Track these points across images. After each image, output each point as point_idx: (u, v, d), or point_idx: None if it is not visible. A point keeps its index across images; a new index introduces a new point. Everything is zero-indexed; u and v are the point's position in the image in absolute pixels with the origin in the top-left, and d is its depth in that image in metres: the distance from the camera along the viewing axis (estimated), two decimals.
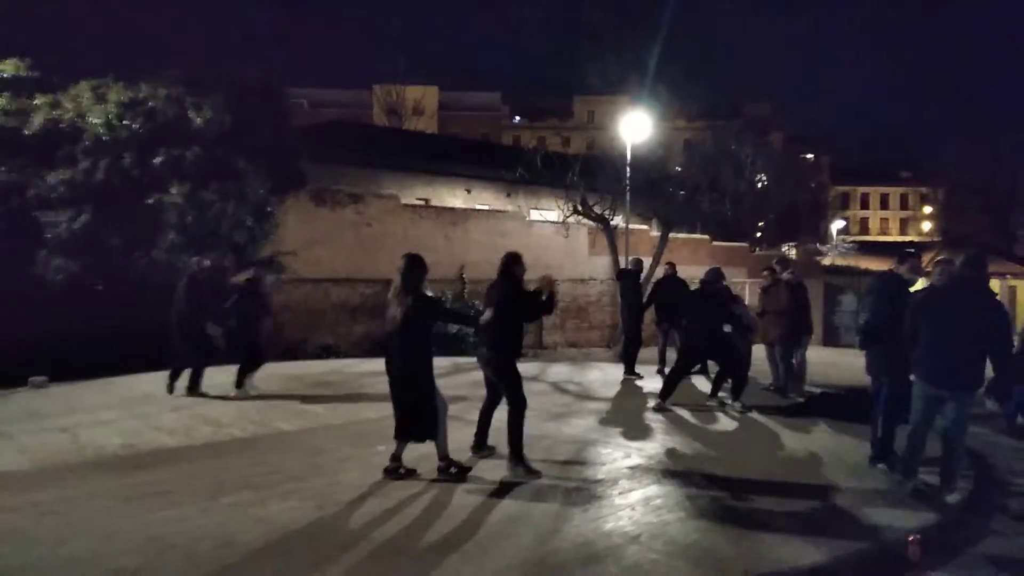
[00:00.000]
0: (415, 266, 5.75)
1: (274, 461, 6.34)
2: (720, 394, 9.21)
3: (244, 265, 13.01)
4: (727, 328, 8.88)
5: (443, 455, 5.87)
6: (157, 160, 11.91)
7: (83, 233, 11.45)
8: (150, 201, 11.80)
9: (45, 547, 4.41)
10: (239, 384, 9.27)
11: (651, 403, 8.98)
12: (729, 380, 9.12)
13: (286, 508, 5.11)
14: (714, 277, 8.94)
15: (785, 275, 10.28)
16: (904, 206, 74.32)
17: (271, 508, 5.10)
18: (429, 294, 5.99)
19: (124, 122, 12.04)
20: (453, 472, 5.81)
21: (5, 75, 12.84)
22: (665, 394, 8.83)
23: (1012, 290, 25.37)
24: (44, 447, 6.77)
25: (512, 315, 6.07)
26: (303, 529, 4.76)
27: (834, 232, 55.04)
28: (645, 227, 23.73)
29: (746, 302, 18.07)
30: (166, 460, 6.38)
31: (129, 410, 8.42)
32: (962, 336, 5.46)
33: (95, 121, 12.03)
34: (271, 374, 11.38)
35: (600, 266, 22.28)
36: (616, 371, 11.93)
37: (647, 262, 16.06)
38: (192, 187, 11.95)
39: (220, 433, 7.41)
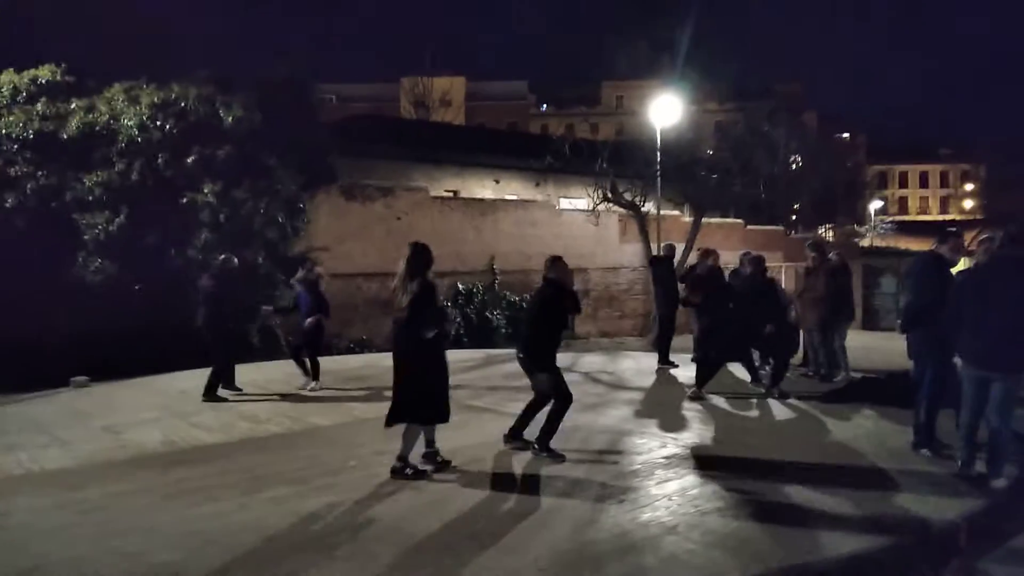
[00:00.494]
0: (420, 253, 5.81)
1: (311, 456, 6.41)
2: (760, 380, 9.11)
3: (280, 262, 13.17)
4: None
5: (403, 456, 5.70)
6: (190, 160, 12.09)
7: (120, 234, 11.67)
8: (184, 201, 11.98)
9: (92, 542, 4.50)
10: (316, 377, 9.57)
11: (688, 392, 8.89)
12: (769, 366, 9.01)
13: (323, 502, 5.16)
14: (753, 262, 8.83)
15: (832, 256, 10.07)
16: (944, 184, 72.49)
17: (309, 502, 5.15)
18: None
19: (157, 123, 12.23)
20: (408, 474, 5.64)
21: (42, 80, 13.12)
22: (701, 382, 8.73)
23: None
24: (88, 445, 6.93)
25: (544, 319, 6.07)
26: (341, 523, 4.79)
27: (872, 212, 53.90)
28: (677, 213, 23.46)
29: (783, 286, 17.82)
30: (205, 456, 6.49)
31: (168, 408, 8.57)
32: (1005, 315, 5.33)
33: (128, 123, 12.24)
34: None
35: (632, 254, 22.10)
36: (650, 360, 11.83)
37: (680, 248, 15.88)
38: (224, 186, 12.10)
39: (257, 429, 7.51)
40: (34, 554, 4.33)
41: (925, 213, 69.96)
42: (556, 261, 6.40)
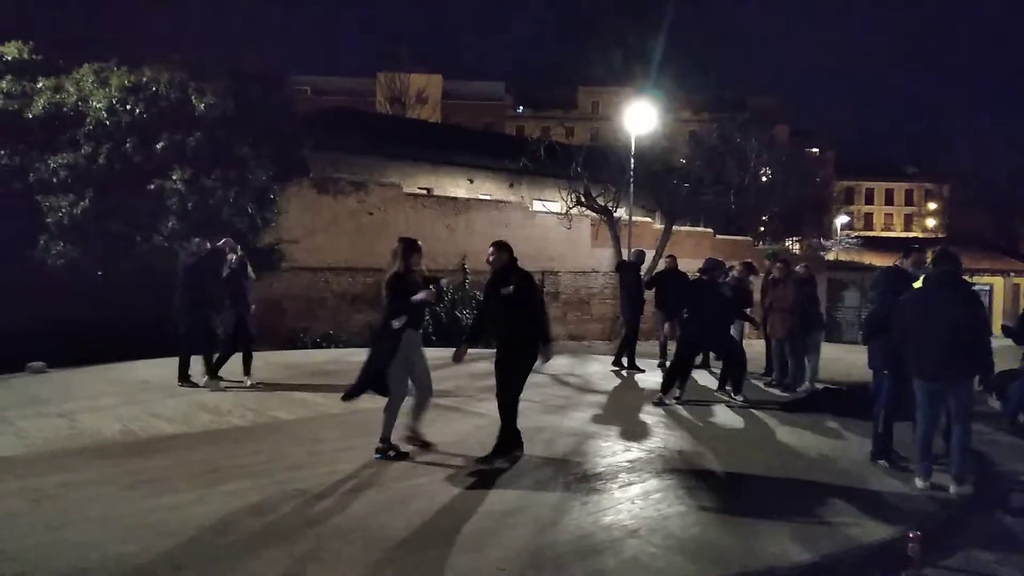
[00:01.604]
0: (405, 246, 6.11)
1: (273, 450, 6.33)
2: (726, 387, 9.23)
3: (248, 253, 12.95)
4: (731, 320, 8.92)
5: (385, 437, 6.06)
6: (159, 145, 11.86)
7: (84, 218, 11.41)
8: (151, 187, 11.75)
9: (44, 532, 4.40)
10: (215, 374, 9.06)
11: (652, 397, 8.96)
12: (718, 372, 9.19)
13: (284, 497, 5.09)
14: (712, 266, 8.87)
15: (799, 268, 10.25)
16: (909, 202, 74.02)
17: (270, 496, 5.08)
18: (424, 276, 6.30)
19: (126, 107, 11.97)
20: (391, 456, 6.00)
21: (8, 58, 12.77)
22: (666, 388, 8.82)
23: (1016, 288, 25.33)
24: (42, 432, 6.77)
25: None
26: (302, 518, 4.74)
27: (838, 227, 54.84)
28: (648, 220, 23.65)
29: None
30: (165, 447, 6.37)
31: (128, 397, 8.41)
32: (944, 329, 5.56)
33: (97, 105, 11.97)
34: (271, 362, 11.38)
35: (603, 258, 22.21)
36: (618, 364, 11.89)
37: (650, 255, 16.00)
38: (194, 173, 11.89)
39: (219, 421, 7.40)
40: None
41: (890, 229, 71.39)
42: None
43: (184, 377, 8.98)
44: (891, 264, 6.96)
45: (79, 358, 10.40)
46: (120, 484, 5.31)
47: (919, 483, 5.79)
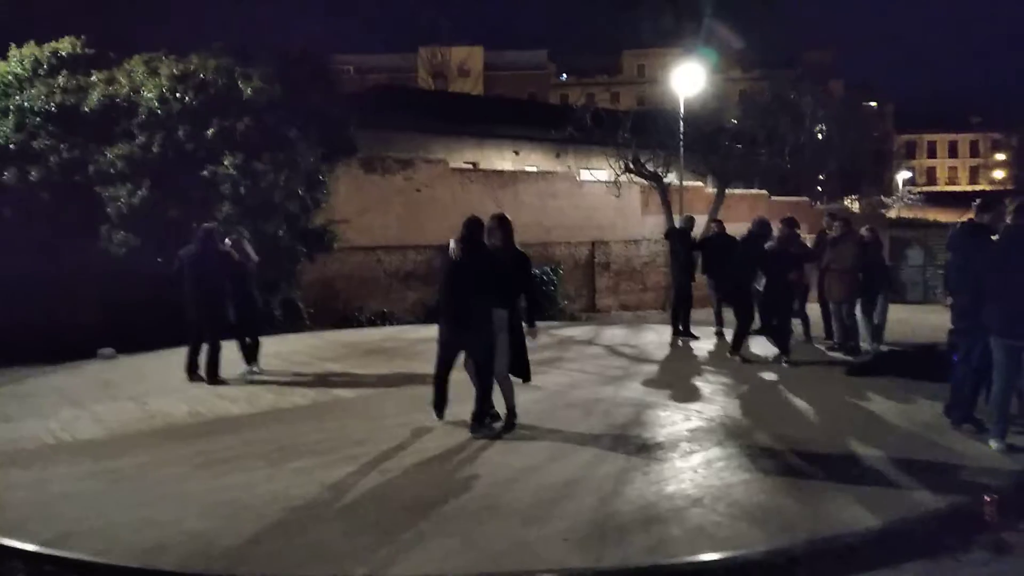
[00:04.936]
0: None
1: (336, 427, 6.45)
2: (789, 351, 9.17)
3: (300, 235, 13.17)
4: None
5: (509, 407, 6.24)
6: (210, 132, 12.06)
7: (142, 207, 11.70)
8: (204, 173, 11.98)
9: (124, 510, 4.57)
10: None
11: (702, 363, 9.08)
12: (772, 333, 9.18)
13: (349, 472, 5.20)
14: (759, 229, 9.06)
15: (863, 230, 9.92)
16: (974, 154, 70.95)
17: (335, 472, 5.19)
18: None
19: (176, 95, 12.19)
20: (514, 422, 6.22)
21: (62, 53, 13.11)
22: (736, 347, 9.16)
23: None
24: (117, 416, 7.03)
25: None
26: (367, 492, 4.83)
27: (899, 183, 52.95)
28: (700, 184, 23.15)
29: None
30: (231, 427, 6.55)
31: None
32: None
33: (149, 95, 12.22)
34: (329, 341, 11.60)
35: (654, 226, 21.89)
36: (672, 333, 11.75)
37: (703, 220, 15.69)
38: (245, 158, 12.07)
39: (282, 400, 7.57)
40: (69, 520, 4.41)
41: (954, 183, 68.61)
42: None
43: (191, 371, 8.52)
44: (964, 220, 6.64)
45: (146, 343, 10.75)
46: (192, 464, 5.49)
47: (994, 445, 5.58)
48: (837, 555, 4.02)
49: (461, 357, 6.22)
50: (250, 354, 8.81)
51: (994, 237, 5.81)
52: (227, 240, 8.91)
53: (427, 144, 21.94)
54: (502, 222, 6.15)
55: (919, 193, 51.86)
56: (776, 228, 9.26)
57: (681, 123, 17.09)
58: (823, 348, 10.16)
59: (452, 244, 6.04)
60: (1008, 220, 5.72)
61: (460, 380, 6.30)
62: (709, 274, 11.22)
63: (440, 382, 6.22)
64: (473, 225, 6.01)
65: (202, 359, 8.45)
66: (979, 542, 4.30)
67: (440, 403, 6.27)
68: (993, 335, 5.60)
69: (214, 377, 8.33)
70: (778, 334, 9.12)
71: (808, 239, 10.40)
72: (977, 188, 60.00)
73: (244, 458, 5.59)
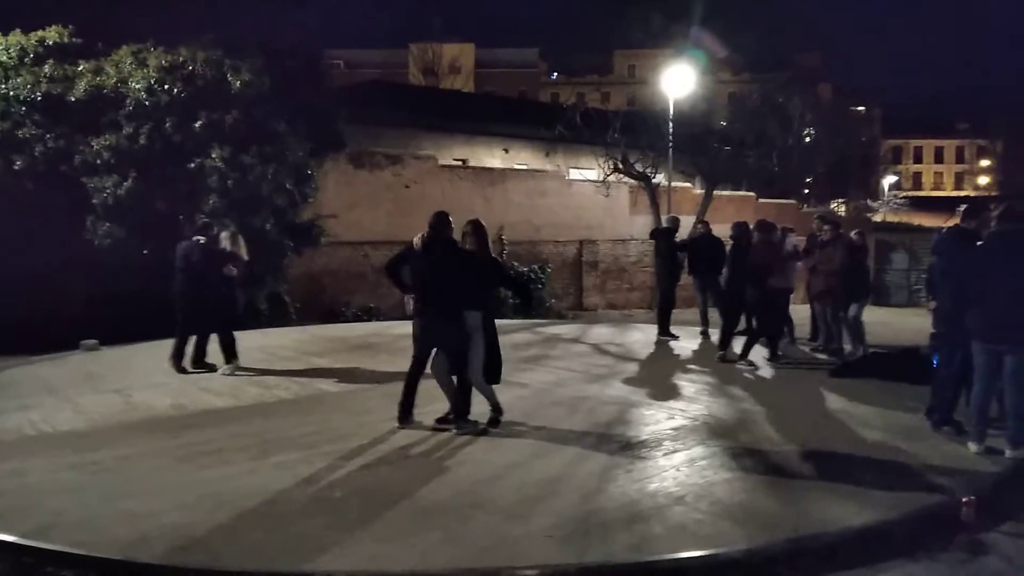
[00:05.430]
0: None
1: (319, 421, 6.44)
2: (778, 352, 9.33)
3: (287, 229, 13.10)
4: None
5: (493, 404, 6.22)
6: (197, 124, 11.99)
7: (128, 198, 11.63)
8: (192, 165, 11.92)
9: (105, 502, 4.54)
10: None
11: (687, 363, 9.17)
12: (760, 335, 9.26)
13: (332, 467, 5.19)
14: (738, 231, 9.35)
15: (853, 235, 10.01)
16: (960, 160, 71.52)
17: (318, 467, 5.18)
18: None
19: (164, 87, 12.11)
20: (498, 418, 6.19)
21: (49, 42, 12.99)
22: (724, 344, 9.31)
23: None
24: (99, 408, 6.98)
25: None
26: (350, 487, 4.82)
27: (886, 187, 53.32)
28: (688, 185, 23.26)
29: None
30: (215, 420, 6.52)
31: (178, 372, 8.59)
32: (1010, 289, 5.35)
33: (136, 86, 12.13)
34: (315, 336, 11.57)
35: (642, 226, 21.94)
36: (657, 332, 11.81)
37: (690, 221, 15.75)
38: (232, 151, 12.01)
39: (266, 394, 7.54)
40: (49, 512, 4.38)
41: (939, 189, 69.17)
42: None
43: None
44: (949, 225, 6.70)
45: (130, 335, 10.68)
46: (174, 456, 5.46)
47: (973, 447, 5.65)
48: (818, 554, 4.05)
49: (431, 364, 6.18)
50: (228, 352, 8.54)
51: (979, 243, 5.87)
52: (223, 235, 8.69)
53: (417, 140, 21.91)
54: (476, 227, 6.09)
55: (905, 197, 52.24)
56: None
57: (670, 124, 17.14)
58: (807, 349, 10.25)
59: (416, 240, 6.04)
60: (992, 225, 5.79)
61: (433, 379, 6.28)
62: (695, 274, 11.28)
63: (411, 382, 6.14)
64: (441, 220, 5.98)
65: (188, 349, 8.50)
66: (958, 542, 4.35)
67: (407, 405, 6.13)
68: (974, 339, 5.67)
69: (199, 362, 8.54)
70: (767, 336, 9.21)
71: (799, 241, 10.45)
72: (962, 194, 60.51)
73: (227, 451, 5.57)
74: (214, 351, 8.62)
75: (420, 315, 6.08)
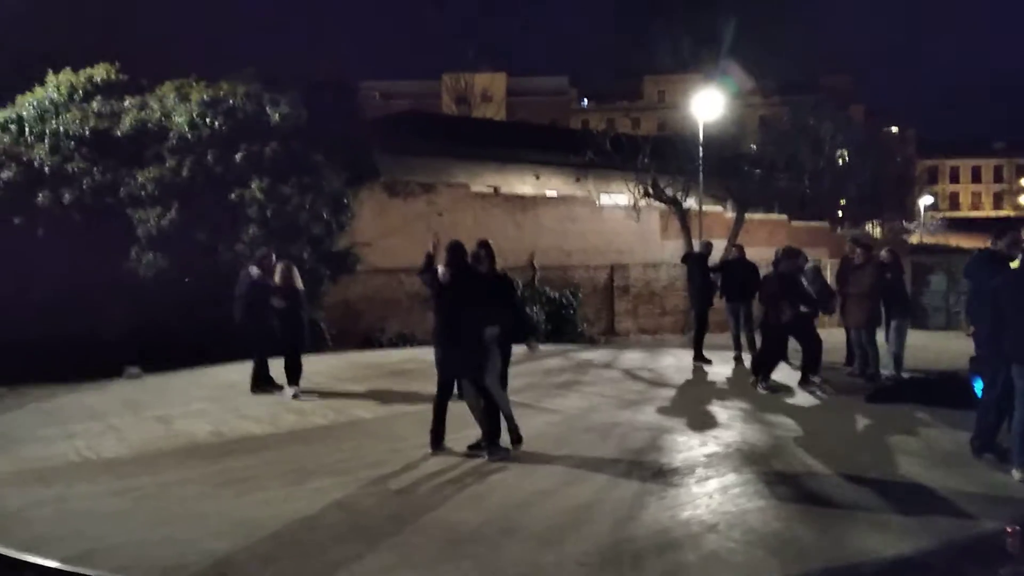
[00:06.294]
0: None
1: (355, 448, 6.53)
2: (813, 379, 9.07)
3: (324, 258, 13.34)
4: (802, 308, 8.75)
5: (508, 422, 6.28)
6: (238, 156, 12.33)
7: (171, 229, 11.96)
8: (232, 196, 12.23)
9: (145, 528, 4.67)
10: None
11: (720, 388, 9.13)
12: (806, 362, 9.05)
13: (367, 493, 5.26)
14: (781, 257, 9.08)
15: (882, 253, 9.88)
16: (998, 179, 70.11)
17: (353, 493, 5.26)
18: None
19: (206, 120, 12.50)
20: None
21: (97, 79, 13.51)
22: (757, 372, 9.10)
23: None
24: (141, 435, 7.15)
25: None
26: (384, 513, 4.89)
27: (921, 208, 52.46)
28: (719, 209, 23.15)
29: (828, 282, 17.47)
30: (253, 447, 6.65)
31: (217, 399, 8.77)
32: None
33: (179, 120, 12.54)
34: (352, 362, 11.72)
35: (673, 250, 21.85)
36: (691, 357, 11.73)
37: (721, 245, 15.69)
38: (271, 182, 12.31)
39: (303, 421, 7.66)
40: (90, 538, 4.51)
41: (977, 209, 67.78)
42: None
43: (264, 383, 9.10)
44: (982, 247, 6.62)
45: (172, 363, 10.93)
46: (214, 483, 5.58)
47: (1017, 475, 5.51)
48: None
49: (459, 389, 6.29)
50: (292, 375, 8.95)
51: (1013, 264, 5.78)
52: (278, 265, 9.07)
53: (449, 169, 22.17)
54: (487, 247, 6.35)
55: (941, 219, 51.32)
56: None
57: (700, 148, 17.14)
58: (843, 374, 10.09)
59: (441, 270, 6.17)
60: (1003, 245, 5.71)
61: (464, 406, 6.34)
62: (728, 299, 11.21)
63: (439, 409, 6.25)
64: (457, 250, 6.19)
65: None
66: (1000, 573, 4.26)
67: (438, 432, 6.23)
68: (1014, 363, 5.56)
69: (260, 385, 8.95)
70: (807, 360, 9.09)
71: (830, 264, 10.36)
72: (1001, 214, 59.28)
73: (264, 478, 5.68)
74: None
75: (439, 345, 6.24)
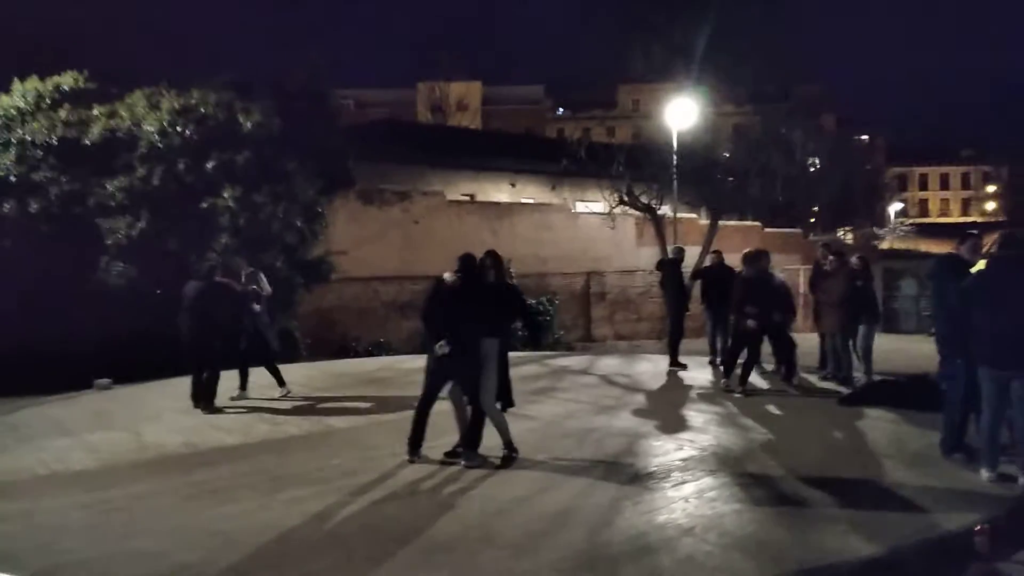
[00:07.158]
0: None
1: (329, 457, 6.46)
2: (793, 380, 9.36)
3: (298, 266, 13.23)
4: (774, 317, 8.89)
5: (506, 442, 6.25)
6: (209, 165, 12.20)
7: (141, 238, 11.80)
8: (204, 205, 12.09)
9: (114, 542, 4.57)
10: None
11: (696, 393, 9.14)
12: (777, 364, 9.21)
13: (341, 503, 5.20)
14: (745, 261, 9.24)
15: (853, 260, 10.02)
16: (966, 186, 71.58)
17: (327, 503, 5.20)
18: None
19: (177, 128, 12.35)
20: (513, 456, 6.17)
21: (65, 87, 13.30)
22: (729, 374, 9.24)
23: None
24: (111, 447, 7.02)
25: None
26: (358, 523, 4.84)
27: (892, 215, 53.39)
28: (694, 215, 23.38)
29: (801, 289, 17.71)
30: (225, 458, 6.55)
31: (189, 410, 8.62)
32: (1012, 315, 5.36)
33: (149, 129, 12.38)
34: (324, 371, 11.61)
35: (649, 257, 21.99)
36: (667, 363, 11.79)
37: (695, 251, 15.82)
38: (244, 190, 12.20)
39: (276, 431, 7.58)
40: (58, 551, 4.41)
41: (946, 215, 69.13)
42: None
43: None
44: (945, 252, 6.76)
45: (142, 374, 10.76)
46: (185, 495, 5.49)
47: (985, 475, 5.60)
48: None
49: (446, 389, 6.25)
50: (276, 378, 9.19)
51: (973, 269, 5.90)
52: (243, 273, 9.18)
53: (425, 177, 22.17)
54: (495, 256, 6.34)
55: (911, 225, 52.23)
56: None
57: (674, 156, 17.30)
58: (816, 378, 10.20)
59: (448, 275, 6.16)
60: (993, 251, 5.84)
61: (444, 411, 6.30)
62: (707, 304, 11.29)
63: (421, 416, 6.19)
64: (469, 260, 6.20)
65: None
66: (972, 572, 4.32)
67: (417, 439, 6.17)
68: (980, 365, 5.66)
69: (209, 405, 8.50)
70: (780, 362, 9.26)
71: (801, 270, 10.50)
72: (969, 220, 60.48)
73: (237, 489, 5.60)
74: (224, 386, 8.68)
75: (437, 353, 6.16)
